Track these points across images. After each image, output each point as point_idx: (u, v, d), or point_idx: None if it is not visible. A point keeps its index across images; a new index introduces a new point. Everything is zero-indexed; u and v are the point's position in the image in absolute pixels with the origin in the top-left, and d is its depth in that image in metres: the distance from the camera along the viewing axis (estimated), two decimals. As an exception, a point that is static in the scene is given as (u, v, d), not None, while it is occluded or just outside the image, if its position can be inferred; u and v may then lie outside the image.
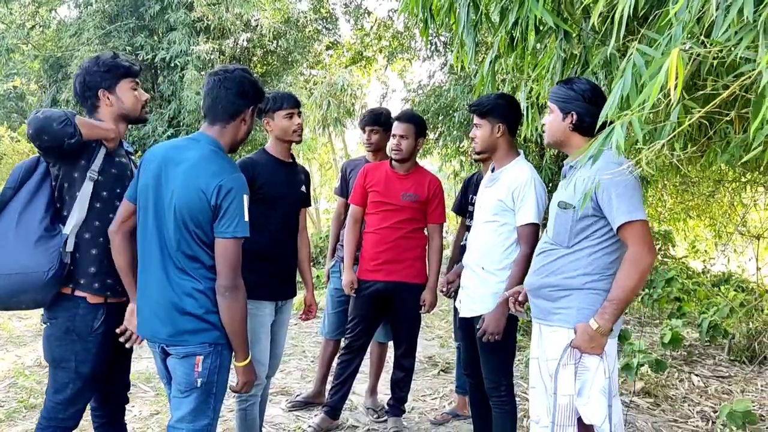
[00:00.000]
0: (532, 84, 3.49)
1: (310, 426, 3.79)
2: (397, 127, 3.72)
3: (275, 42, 15.17)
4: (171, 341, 2.28)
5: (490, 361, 3.16)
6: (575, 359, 2.41)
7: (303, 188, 3.39)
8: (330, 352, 4.26)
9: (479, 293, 3.15)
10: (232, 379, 2.40)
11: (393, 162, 3.78)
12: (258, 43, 15.50)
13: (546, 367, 2.54)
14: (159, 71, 15.78)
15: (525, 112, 3.43)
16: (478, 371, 3.28)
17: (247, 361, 2.36)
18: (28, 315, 5.38)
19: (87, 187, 2.44)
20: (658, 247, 9.39)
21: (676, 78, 1.88)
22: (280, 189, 3.23)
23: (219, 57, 15.61)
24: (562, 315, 2.49)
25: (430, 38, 9.35)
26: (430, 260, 3.81)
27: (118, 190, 2.52)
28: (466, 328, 3.31)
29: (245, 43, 16.35)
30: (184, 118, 15.22)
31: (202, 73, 15.05)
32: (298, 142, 3.39)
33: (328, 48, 15.88)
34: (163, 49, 14.82)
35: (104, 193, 2.49)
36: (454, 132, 8.23)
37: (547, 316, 2.56)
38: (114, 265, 2.50)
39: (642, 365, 4.56)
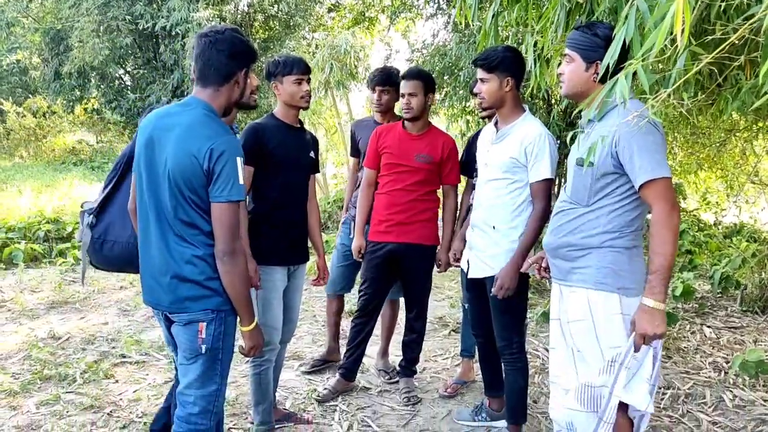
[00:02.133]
0: (537, 37, 3.40)
1: (325, 388, 3.80)
2: (404, 86, 3.63)
3: (276, 6, 14.97)
4: (173, 308, 2.26)
5: (503, 319, 3.14)
6: (643, 354, 2.26)
7: (312, 154, 3.35)
8: (335, 309, 4.25)
9: (491, 253, 3.10)
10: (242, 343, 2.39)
11: (405, 122, 3.71)
12: (258, 8, 15.32)
13: (568, 329, 2.47)
14: (160, 40, 15.66)
15: (531, 67, 3.33)
16: (487, 330, 3.27)
17: (253, 325, 2.34)
18: (41, 288, 5.44)
19: None
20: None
21: (683, 23, 1.81)
22: (289, 153, 3.19)
23: (220, 23, 15.43)
24: (581, 275, 2.41)
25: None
26: (445, 220, 3.75)
27: None
28: (475, 287, 3.28)
29: (246, 8, 16.16)
30: (188, 87, 15.11)
31: (204, 40, 14.89)
32: (306, 108, 3.33)
33: (330, 10, 15.65)
34: (162, 17, 14.67)
35: None
36: (460, 91, 8.10)
37: (566, 276, 2.49)
38: None
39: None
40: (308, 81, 3.22)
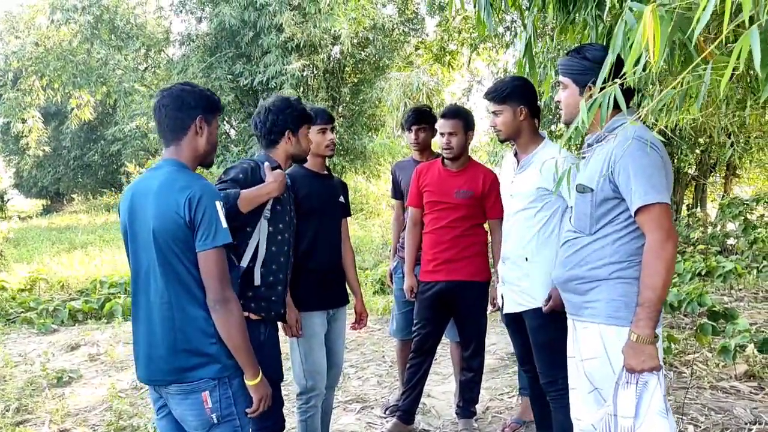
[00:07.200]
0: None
1: (381, 432, 3.79)
2: (444, 125, 3.63)
3: (363, 50, 15.39)
4: (169, 379, 2.14)
5: (544, 355, 3.01)
6: (636, 378, 2.14)
7: (341, 199, 3.42)
8: (406, 352, 4.23)
9: (526, 285, 3.02)
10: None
11: (445, 160, 3.70)
12: (349, 53, 15.80)
13: (582, 367, 2.35)
14: (259, 94, 16.50)
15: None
16: (534, 365, 3.14)
17: (258, 379, 2.20)
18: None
19: (263, 226, 2.72)
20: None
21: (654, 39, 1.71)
22: (319, 200, 3.28)
23: (312, 72, 16.09)
24: (592, 309, 2.29)
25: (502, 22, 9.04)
26: (494, 256, 3.67)
27: (281, 225, 2.79)
28: (512, 322, 3.17)
29: (337, 56, 16.73)
30: (285, 136, 15.73)
31: (299, 90, 15.55)
32: (331, 156, 3.43)
33: (417, 48, 15.88)
34: (259, 72, 15.49)
35: (270, 228, 2.75)
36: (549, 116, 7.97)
37: (578, 310, 2.37)
38: (270, 290, 2.77)
39: (743, 346, 4.17)
40: (332, 130, 3.31)
